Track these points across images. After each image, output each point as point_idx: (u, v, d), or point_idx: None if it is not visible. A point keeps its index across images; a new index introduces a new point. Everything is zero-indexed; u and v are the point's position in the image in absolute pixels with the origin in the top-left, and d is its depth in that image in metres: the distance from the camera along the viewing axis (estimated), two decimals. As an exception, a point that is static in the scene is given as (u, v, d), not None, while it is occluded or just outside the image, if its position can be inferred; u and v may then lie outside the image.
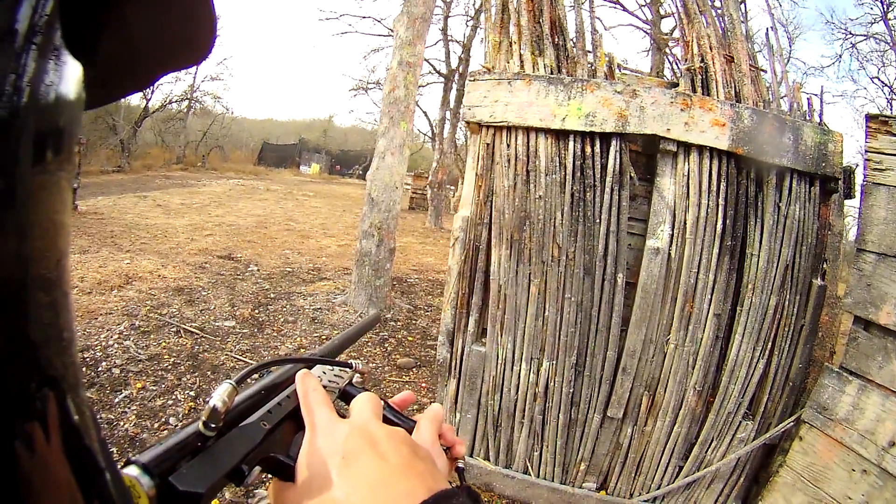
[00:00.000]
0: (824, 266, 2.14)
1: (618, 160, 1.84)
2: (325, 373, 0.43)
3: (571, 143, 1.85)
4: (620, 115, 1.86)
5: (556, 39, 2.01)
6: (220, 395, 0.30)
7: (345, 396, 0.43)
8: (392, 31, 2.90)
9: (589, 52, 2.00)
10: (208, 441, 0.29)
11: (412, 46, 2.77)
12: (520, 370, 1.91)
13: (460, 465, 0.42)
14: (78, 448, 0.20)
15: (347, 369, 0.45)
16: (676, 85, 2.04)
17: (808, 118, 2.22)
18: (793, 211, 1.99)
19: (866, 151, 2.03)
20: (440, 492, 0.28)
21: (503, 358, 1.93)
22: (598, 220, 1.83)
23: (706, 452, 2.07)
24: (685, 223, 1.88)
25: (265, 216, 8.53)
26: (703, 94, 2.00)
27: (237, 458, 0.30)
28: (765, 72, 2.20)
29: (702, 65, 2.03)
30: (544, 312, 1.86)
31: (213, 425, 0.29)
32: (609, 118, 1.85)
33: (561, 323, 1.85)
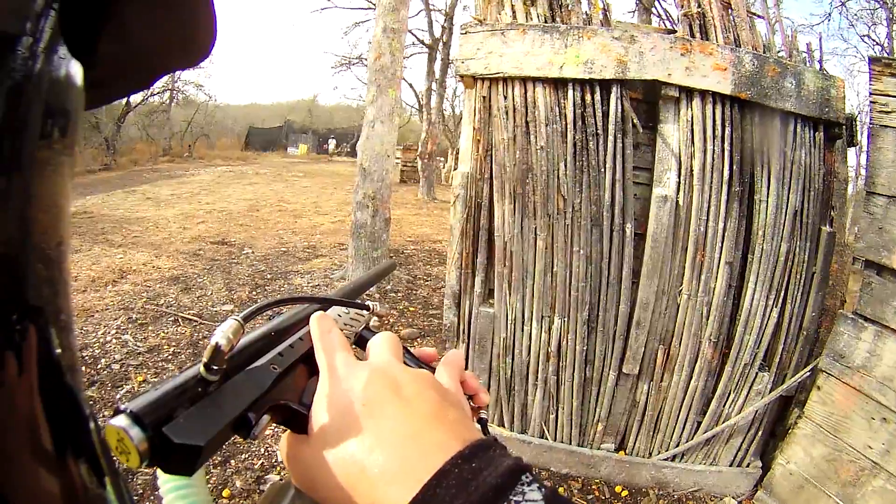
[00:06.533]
0: (832, 213, 2.11)
1: (619, 107, 1.79)
2: (340, 316, 0.38)
3: (571, 92, 1.79)
4: (620, 61, 1.80)
5: (550, -11, 1.95)
6: (223, 333, 0.25)
7: (361, 342, 0.38)
8: (373, -1, 2.85)
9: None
10: (210, 386, 0.25)
11: (396, 12, 2.71)
12: (530, 330, 1.85)
13: (483, 415, 0.38)
14: (58, 389, 0.19)
15: (364, 312, 0.40)
16: (674, 32, 2.00)
17: (808, 64, 2.19)
18: (799, 156, 1.95)
19: (871, 94, 2.00)
20: (476, 442, 0.24)
21: (512, 318, 1.86)
22: (602, 170, 1.77)
23: (724, 406, 2.02)
24: (691, 169, 1.83)
25: (256, 199, 8.39)
26: (701, 39, 1.95)
27: (243, 406, 0.25)
28: (762, 17, 2.16)
29: (699, 10, 1.98)
30: (553, 268, 1.79)
31: (215, 368, 0.25)
32: (608, 65, 1.80)
33: (570, 278, 1.79)
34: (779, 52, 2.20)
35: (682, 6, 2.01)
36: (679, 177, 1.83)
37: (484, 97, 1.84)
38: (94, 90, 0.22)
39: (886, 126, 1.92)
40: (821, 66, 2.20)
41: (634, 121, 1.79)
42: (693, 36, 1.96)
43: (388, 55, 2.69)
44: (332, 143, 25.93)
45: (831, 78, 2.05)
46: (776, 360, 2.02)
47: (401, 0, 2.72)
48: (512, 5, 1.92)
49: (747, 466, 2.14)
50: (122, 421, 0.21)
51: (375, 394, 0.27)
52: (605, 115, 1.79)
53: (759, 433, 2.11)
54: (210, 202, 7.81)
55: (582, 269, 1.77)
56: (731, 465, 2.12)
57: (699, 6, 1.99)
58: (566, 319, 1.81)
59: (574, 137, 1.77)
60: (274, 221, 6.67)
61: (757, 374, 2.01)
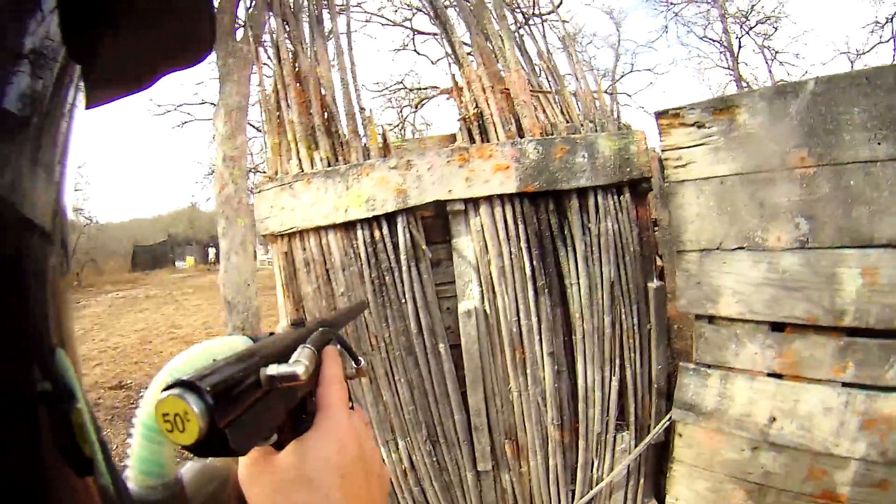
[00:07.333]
0: (657, 265, 2.14)
1: (407, 237, 1.87)
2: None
3: (359, 232, 1.88)
4: (399, 190, 1.88)
5: (330, 127, 2.03)
6: (306, 368, 0.29)
7: None
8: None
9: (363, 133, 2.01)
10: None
11: (233, 140, 2.80)
12: (380, 454, 1.97)
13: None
14: None
15: (354, 363, 0.42)
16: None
17: (616, 118, 2.21)
18: (605, 227, 1.99)
19: (662, 150, 2.00)
20: None
21: (360, 449, 1.99)
22: (403, 300, 1.86)
23: (592, 472, 2.11)
24: (491, 276, 1.90)
25: (148, 329, 8.40)
26: (482, 141, 2.00)
27: (279, 421, 0.29)
28: (548, 92, 2.18)
29: (476, 111, 2.03)
30: (382, 398, 1.91)
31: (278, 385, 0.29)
32: (388, 198, 1.87)
33: (400, 403, 1.90)
34: (578, 115, 2.22)
35: (461, 110, 2.06)
36: (481, 286, 1.91)
37: (286, 253, 1.94)
38: (96, 90, 0.23)
39: (684, 180, 1.94)
40: (619, 124, 2.21)
41: (422, 246, 1.87)
42: (473, 140, 2.01)
43: (230, 185, 2.80)
44: (211, 252, 25.55)
45: (629, 134, 2.08)
46: (632, 418, 2.09)
47: (237, 126, 2.81)
48: (297, 153, 2.00)
49: (642, 510, 2.23)
50: (197, 405, 0.22)
51: (353, 473, 0.31)
52: (396, 245, 1.88)
53: (642, 480, 2.20)
54: (103, 338, 7.80)
55: (407, 394, 1.88)
56: (623, 516, 2.22)
57: (476, 106, 2.04)
58: (408, 439, 1.93)
59: (371, 276, 1.87)
60: (167, 352, 6.60)
61: (616, 435, 2.09)
